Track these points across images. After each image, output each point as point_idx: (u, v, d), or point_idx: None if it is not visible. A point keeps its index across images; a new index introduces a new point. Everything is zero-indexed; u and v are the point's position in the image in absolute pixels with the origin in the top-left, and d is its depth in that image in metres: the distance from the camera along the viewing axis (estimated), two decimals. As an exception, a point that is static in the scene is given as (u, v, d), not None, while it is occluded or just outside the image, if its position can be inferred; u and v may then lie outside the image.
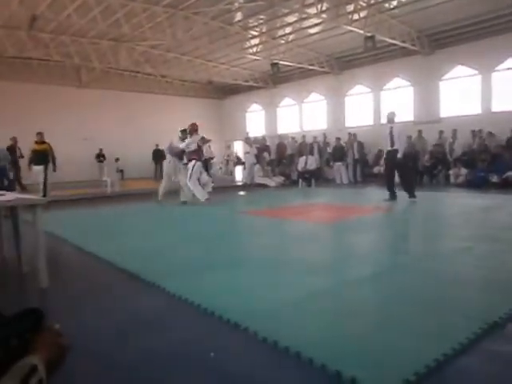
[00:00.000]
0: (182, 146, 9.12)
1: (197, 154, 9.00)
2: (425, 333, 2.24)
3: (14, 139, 12.54)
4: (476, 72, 13.85)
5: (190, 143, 8.97)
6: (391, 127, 8.36)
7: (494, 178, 10.79)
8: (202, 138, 9.30)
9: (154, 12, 12.48)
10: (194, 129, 9.13)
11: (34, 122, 17.30)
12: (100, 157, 18.27)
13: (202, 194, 8.89)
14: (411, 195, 8.19)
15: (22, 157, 12.23)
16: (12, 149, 12.02)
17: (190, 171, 8.82)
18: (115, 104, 19.78)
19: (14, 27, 13.56)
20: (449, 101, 14.66)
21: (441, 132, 13.51)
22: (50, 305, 2.93)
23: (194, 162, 8.86)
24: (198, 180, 9.09)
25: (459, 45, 13.93)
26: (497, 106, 13.36)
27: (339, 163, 14.80)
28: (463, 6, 12.00)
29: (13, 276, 3.88)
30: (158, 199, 9.39)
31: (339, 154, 14.81)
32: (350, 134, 15.71)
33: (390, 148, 8.33)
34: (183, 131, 9.42)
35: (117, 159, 17.87)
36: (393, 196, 8.42)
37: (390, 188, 8.48)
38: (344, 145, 15.21)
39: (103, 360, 2.08)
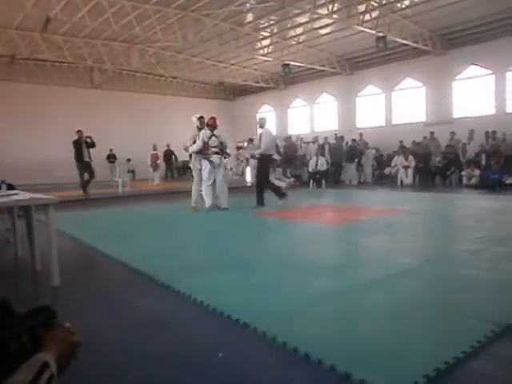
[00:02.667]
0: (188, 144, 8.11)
1: (205, 150, 7.88)
2: (436, 335, 2.23)
3: (80, 133, 11.04)
4: (490, 72, 13.69)
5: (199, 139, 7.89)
6: (261, 133, 8.34)
7: (508, 180, 10.65)
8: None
9: (165, 14, 12.59)
10: (206, 123, 8.04)
11: (46, 122, 17.64)
12: (111, 157, 18.41)
13: (207, 200, 7.85)
14: (258, 202, 8.10)
15: (93, 146, 11.07)
16: (78, 144, 10.87)
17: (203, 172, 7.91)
18: (127, 105, 19.99)
19: (28, 29, 13.80)
20: (462, 101, 14.51)
21: (452, 133, 13.38)
22: (61, 303, 2.97)
23: (206, 162, 7.85)
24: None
25: (472, 44, 13.79)
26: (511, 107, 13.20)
27: (348, 164, 14.73)
28: (477, 5, 11.89)
29: (26, 274, 3.94)
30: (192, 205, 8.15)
31: (349, 154, 14.73)
32: (361, 134, 15.67)
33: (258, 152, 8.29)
34: (200, 118, 8.31)
35: (128, 160, 18.01)
36: (261, 202, 8.17)
37: (261, 193, 8.25)
38: (357, 146, 15.13)
39: (113, 359, 2.10)
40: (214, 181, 7.87)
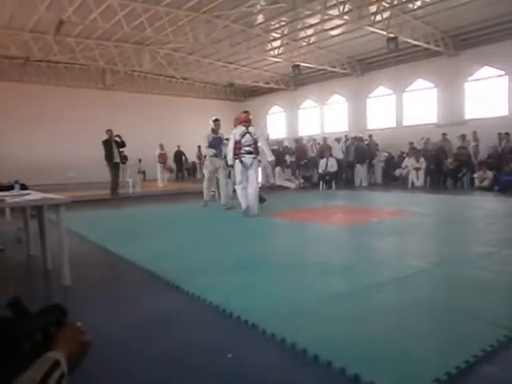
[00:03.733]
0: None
1: (236, 149, 7.21)
2: (446, 339, 2.20)
3: (110, 132, 10.86)
4: (503, 73, 13.52)
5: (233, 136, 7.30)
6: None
7: (521, 182, 10.51)
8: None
9: (177, 15, 12.66)
10: (239, 120, 7.46)
11: (58, 123, 17.84)
12: (122, 158, 18.49)
13: (242, 202, 7.25)
14: (260, 200, 7.87)
15: (123, 146, 11.05)
16: (108, 143, 10.74)
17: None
18: (138, 106, 20.13)
19: (42, 32, 13.97)
20: (474, 103, 14.36)
21: (462, 135, 13.24)
22: (71, 302, 3.00)
23: (236, 161, 7.25)
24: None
25: (485, 45, 13.63)
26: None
27: (359, 165, 14.64)
28: (489, 5, 11.75)
29: (38, 273, 3.98)
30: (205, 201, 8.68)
31: (359, 155, 14.63)
32: (370, 136, 15.59)
33: None
34: (215, 121, 8.48)
35: (139, 160, 18.11)
36: (261, 200, 8.09)
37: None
38: (366, 146, 15.04)
39: (121, 358, 2.11)
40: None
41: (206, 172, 8.81)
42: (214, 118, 8.59)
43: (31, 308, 0.99)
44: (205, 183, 8.77)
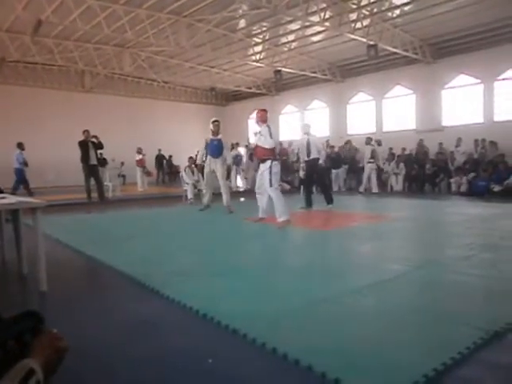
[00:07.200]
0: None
1: (273, 151, 6.49)
2: (424, 342, 2.23)
3: (87, 133, 10.38)
4: (478, 81, 13.89)
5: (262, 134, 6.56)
6: (308, 138, 8.46)
7: (496, 187, 10.78)
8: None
9: (158, 19, 12.59)
10: (262, 118, 6.81)
11: (36, 125, 17.47)
12: (100, 162, 18.19)
13: (282, 211, 6.31)
14: (329, 202, 8.66)
15: (101, 147, 10.67)
16: (84, 144, 10.26)
17: (268, 175, 6.34)
18: (118, 109, 19.90)
19: (19, 31, 13.68)
20: (451, 109, 14.70)
21: (440, 143, 13.53)
22: (48, 308, 2.93)
23: (269, 161, 6.37)
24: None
25: (462, 54, 14.02)
26: (499, 116, 13.40)
27: (337, 170, 14.66)
28: (466, 15, 12.08)
29: (13, 279, 3.88)
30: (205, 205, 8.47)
31: (335, 161, 14.64)
32: (348, 141, 15.76)
33: (307, 158, 8.49)
34: (213, 122, 8.31)
35: (122, 163, 17.87)
36: (309, 204, 8.72)
37: (309, 196, 8.86)
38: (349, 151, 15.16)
39: (100, 364, 2.07)
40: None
41: (205, 174, 8.54)
42: (213, 119, 8.47)
43: (6, 314, 0.96)
44: (206, 185, 8.51)
